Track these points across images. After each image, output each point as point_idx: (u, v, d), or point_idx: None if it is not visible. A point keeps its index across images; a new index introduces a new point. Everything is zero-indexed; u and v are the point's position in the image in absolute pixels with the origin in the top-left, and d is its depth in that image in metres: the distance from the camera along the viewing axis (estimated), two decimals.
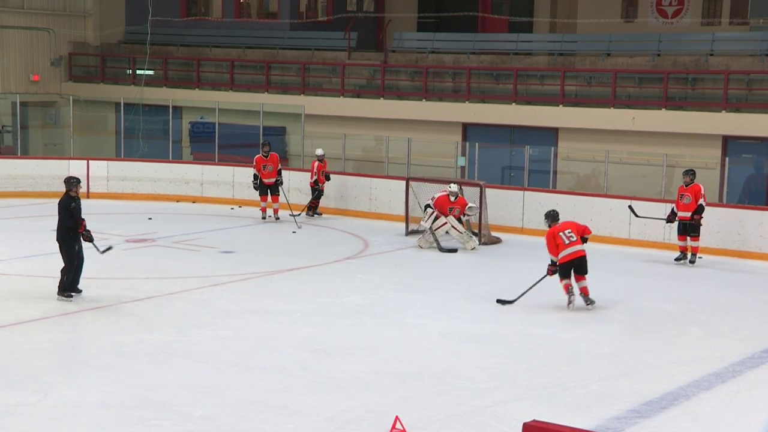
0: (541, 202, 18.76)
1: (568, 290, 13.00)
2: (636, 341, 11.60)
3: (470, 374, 10.09)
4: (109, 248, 13.30)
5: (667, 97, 20.05)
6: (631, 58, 21.37)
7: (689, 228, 16.14)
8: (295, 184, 21.28)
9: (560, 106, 21.10)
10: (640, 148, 19.52)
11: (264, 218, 19.78)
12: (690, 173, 16.18)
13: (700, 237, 16.24)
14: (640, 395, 9.48)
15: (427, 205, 17.16)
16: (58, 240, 12.82)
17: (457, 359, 10.64)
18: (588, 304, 12.97)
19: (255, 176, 19.72)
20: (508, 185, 20.15)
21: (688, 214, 16.05)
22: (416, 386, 9.65)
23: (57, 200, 13.13)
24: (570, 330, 11.98)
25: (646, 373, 10.28)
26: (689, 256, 16.27)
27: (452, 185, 17.12)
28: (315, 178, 20.06)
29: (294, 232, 18.55)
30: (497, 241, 17.97)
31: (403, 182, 19.01)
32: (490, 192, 18.32)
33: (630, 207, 16.81)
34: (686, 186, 16.15)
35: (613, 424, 8.68)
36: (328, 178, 20.14)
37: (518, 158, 20.44)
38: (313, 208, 20.25)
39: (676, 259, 16.37)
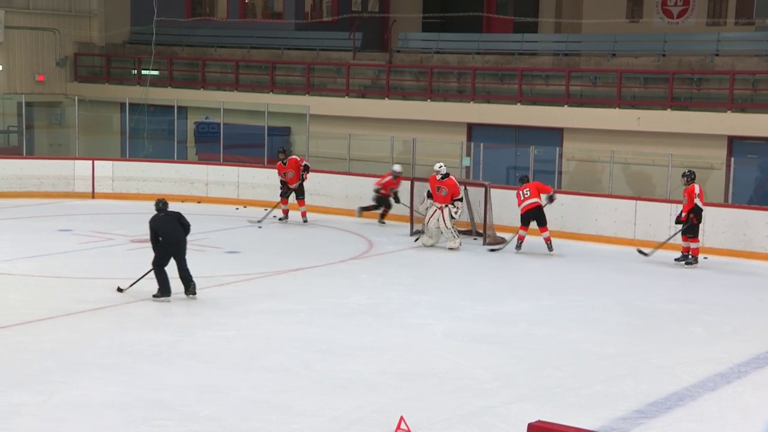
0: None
1: (521, 239, 16.73)
2: (640, 342, 11.58)
3: (474, 374, 10.09)
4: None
5: (673, 97, 20.02)
6: (636, 59, 21.35)
7: (684, 228, 16.15)
8: None
9: (565, 106, 21.08)
10: (645, 149, 19.49)
11: (280, 219, 19.62)
12: (684, 175, 16.23)
13: (705, 237, 16.21)
14: (644, 396, 9.47)
15: (429, 192, 17.29)
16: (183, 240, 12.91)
17: (461, 359, 10.64)
18: (550, 251, 16.73)
19: (282, 183, 19.61)
20: (513, 185, 20.11)
21: (684, 215, 16.12)
22: (420, 386, 9.65)
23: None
24: (574, 330, 11.97)
25: (650, 374, 10.26)
26: (689, 257, 16.25)
27: (437, 165, 17.34)
28: (377, 187, 19.50)
29: (260, 227, 18.97)
30: (502, 241, 17.95)
31: (408, 182, 19.00)
32: (495, 192, 18.30)
33: (639, 251, 16.71)
34: (684, 187, 16.25)
35: (617, 425, 8.67)
36: (397, 200, 19.47)
37: (523, 158, 20.43)
38: (382, 215, 19.69)
39: (676, 260, 16.36)
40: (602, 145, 19.77)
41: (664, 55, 21.09)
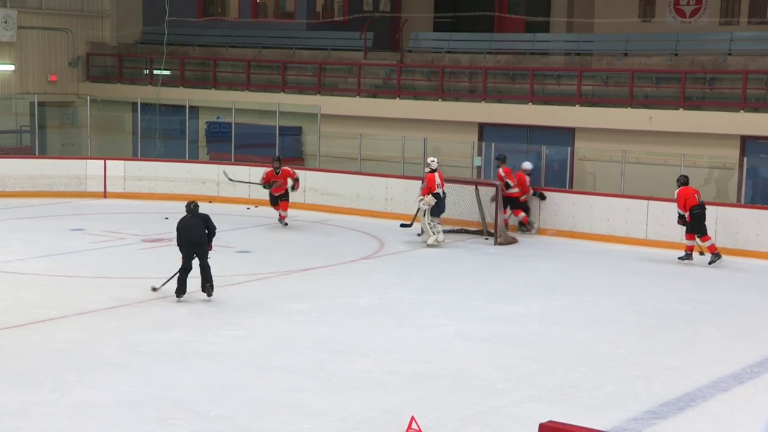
0: (557, 202, 18.74)
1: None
2: (653, 342, 11.54)
3: (486, 374, 10.07)
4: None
5: (685, 96, 19.94)
6: (648, 58, 21.27)
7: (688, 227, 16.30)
8: (311, 183, 21.31)
9: (577, 106, 21.02)
10: (657, 148, 19.42)
11: (285, 223, 19.15)
12: (677, 180, 16.36)
13: (718, 237, 16.25)
14: (657, 396, 9.44)
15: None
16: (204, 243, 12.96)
17: (473, 359, 10.62)
18: (530, 231, 18.46)
19: (266, 186, 18.90)
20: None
21: (686, 215, 16.21)
22: (432, 386, 9.64)
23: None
24: (586, 330, 11.94)
25: (663, 374, 10.23)
26: (689, 255, 16.36)
27: (429, 158, 17.70)
28: (513, 187, 18.52)
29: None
30: (513, 241, 17.94)
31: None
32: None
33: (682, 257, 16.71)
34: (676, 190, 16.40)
35: (629, 426, 8.64)
36: (543, 197, 18.67)
37: (534, 158, 20.38)
38: (524, 224, 18.75)
39: (679, 258, 16.45)
40: (614, 145, 19.70)
41: (676, 55, 21.01)
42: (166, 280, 13.00)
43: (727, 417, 9.05)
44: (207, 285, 12.84)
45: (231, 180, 20.25)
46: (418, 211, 17.48)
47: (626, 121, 20.18)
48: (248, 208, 21.26)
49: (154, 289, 13.07)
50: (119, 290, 13.39)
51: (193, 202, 13.30)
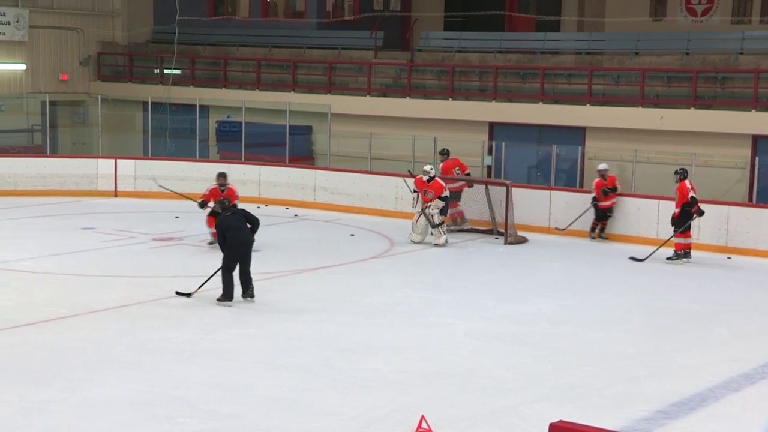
0: (567, 201, 18.70)
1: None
2: (663, 342, 11.51)
3: (496, 374, 10.06)
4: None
5: (696, 96, 19.87)
6: (659, 57, 21.21)
7: (685, 226, 16.22)
8: (321, 183, 21.33)
9: (587, 105, 20.98)
10: (668, 148, 19.36)
11: (210, 243, 16.50)
12: (676, 173, 16.34)
13: (729, 237, 16.20)
14: (667, 396, 9.41)
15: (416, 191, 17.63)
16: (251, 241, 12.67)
17: (483, 359, 10.61)
18: (459, 225, 18.63)
19: (202, 204, 16.32)
20: (534, 185, 20.07)
21: (676, 211, 16.21)
22: (441, 386, 9.63)
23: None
24: (596, 330, 11.91)
25: (673, 374, 10.20)
26: (681, 253, 16.26)
27: (426, 166, 17.52)
28: (594, 194, 17.91)
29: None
30: (523, 240, 17.90)
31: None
32: (516, 191, 18.22)
33: (632, 258, 16.55)
34: (676, 185, 16.36)
35: (640, 425, 8.62)
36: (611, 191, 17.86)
37: (545, 157, 20.35)
38: (597, 230, 18.08)
39: (667, 258, 16.35)
40: (625, 145, 19.65)
41: (687, 54, 20.94)
42: (200, 285, 12.77)
43: (738, 417, 9.01)
44: (249, 288, 12.56)
45: (165, 189, 18.95)
46: (425, 216, 17.29)
47: (637, 120, 20.13)
48: (258, 207, 21.27)
49: (188, 295, 12.79)
50: (129, 289, 13.42)
51: (226, 198, 12.85)
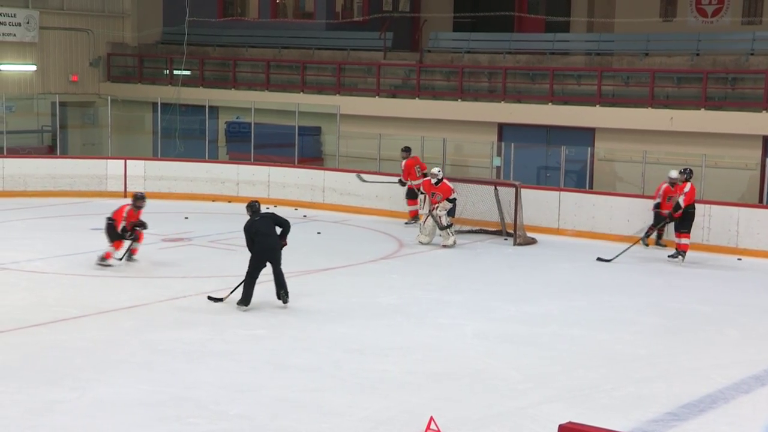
0: (577, 202, 18.67)
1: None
2: (673, 343, 11.48)
3: (505, 375, 10.04)
4: None
5: (707, 97, 19.81)
6: (669, 58, 21.16)
7: (676, 224, 16.32)
8: (330, 183, 21.33)
9: (597, 106, 20.93)
10: (678, 149, 19.30)
11: (103, 265, 14.90)
12: (683, 172, 16.36)
13: (739, 238, 16.24)
14: (677, 398, 9.38)
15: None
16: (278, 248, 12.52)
17: (492, 360, 10.60)
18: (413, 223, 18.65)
19: (123, 229, 14.84)
20: (543, 185, 20.04)
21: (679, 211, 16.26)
22: (451, 387, 9.62)
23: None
24: (606, 331, 11.88)
25: (683, 376, 10.17)
26: (683, 253, 16.28)
27: (434, 169, 17.66)
28: (658, 200, 17.13)
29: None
30: (532, 241, 17.88)
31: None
32: (525, 192, 18.21)
33: (599, 258, 16.44)
34: (680, 183, 16.37)
35: (650, 427, 8.60)
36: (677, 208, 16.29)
37: (554, 158, 20.31)
38: (654, 236, 17.27)
39: (669, 256, 16.40)
40: (635, 146, 19.61)
41: (698, 55, 20.89)
42: (232, 290, 12.66)
43: (748, 419, 8.98)
44: (282, 292, 12.47)
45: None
46: (432, 218, 17.32)
47: (647, 121, 20.08)
48: (267, 209, 21.29)
49: (219, 300, 12.67)
50: (139, 289, 13.45)
51: (256, 201, 12.72)
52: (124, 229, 14.81)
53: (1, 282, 13.97)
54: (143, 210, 15.17)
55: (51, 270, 14.68)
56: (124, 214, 14.82)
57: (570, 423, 6.26)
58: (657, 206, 17.08)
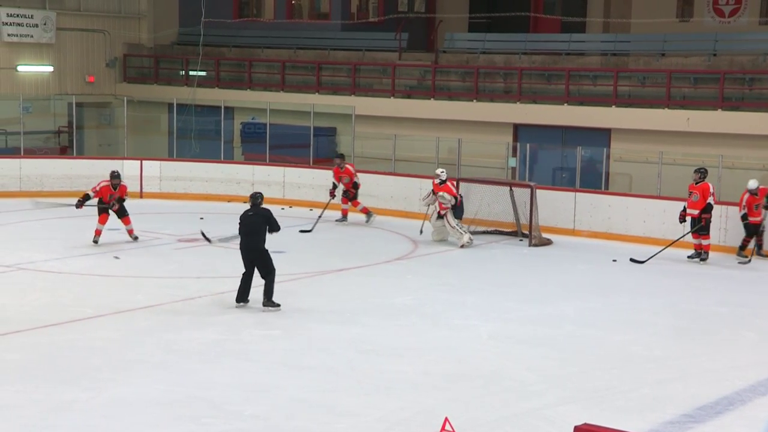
0: (592, 203, 18.61)
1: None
2: (690, 345, 11.42)
3: (520, 376, 10.02)
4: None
5: (724, 97, 19.72)
6: (686, 58, 21.06)
7: (698, 228, 16.21)
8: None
9: (613, 106, 20.86)
10: (695, 150, 19.21)
11: (96, 241, 16.70)
12: (699, 171, 16.34)
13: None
14: (693, 399, 9.34)
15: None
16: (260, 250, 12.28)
17: (507, 361, 10.57)
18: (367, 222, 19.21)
19: (100, 202, 16.73)
20: (559, 186, 19.99)
21: (696, 212, 16.19)
22: (465, 388, 9.60)
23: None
24: (622, 332, 11.83)
25: (700, 377, 10.12)
26: (701, 254, 16.28)
27: (438, 170, 17.82)
28: (744, 211, 16.62)
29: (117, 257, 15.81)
30: (548, 242, 17.84)
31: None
32: (541, 193, 18.17)
33: (631, 259, 16.39)
34: (696, 184, 16.31)
35: (666, 429, 8.55)
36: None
37: (570, 159, 20.26)
38: (752, 246, 16.60)
39: (689, 257, 16.35)
40: (651, 146, 19.53)
41: (715, 55, 20.78)
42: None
43: (765, 421, 8.90)
44: (264, 299, 12.33)
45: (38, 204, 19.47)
46: (444, 220, 17.35)
47: (663, 122, 19.99)
48: (282, 209, 21.31)
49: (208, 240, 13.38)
50: (155, 289, 13.49)
51: (258, 193, 12.47)
52: (101, 201, 16.61)
53: (18, 282, 14.04)
54: (127, 188, 17.15)
55: (67, 270, 14.74)
56: (98, 189, 16.67)
57: (585, 424, 6.24)
58: (744, 217, 16.63)
